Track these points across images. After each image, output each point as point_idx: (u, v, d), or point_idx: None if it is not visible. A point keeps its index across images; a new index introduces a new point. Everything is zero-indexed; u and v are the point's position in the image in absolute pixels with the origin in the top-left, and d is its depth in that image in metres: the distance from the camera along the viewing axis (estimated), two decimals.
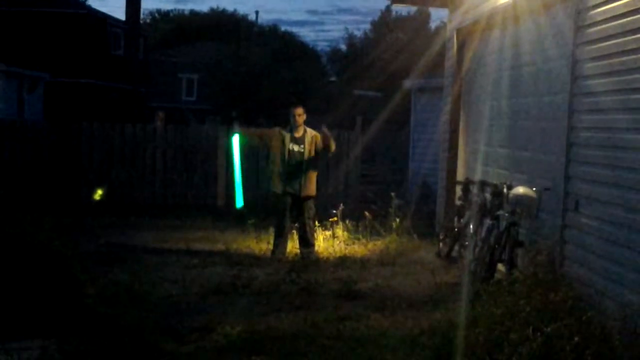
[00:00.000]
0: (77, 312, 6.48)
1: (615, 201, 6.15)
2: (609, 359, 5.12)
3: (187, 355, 6.06)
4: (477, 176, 9.84)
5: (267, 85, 39.29)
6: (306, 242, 10.17)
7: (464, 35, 11.20)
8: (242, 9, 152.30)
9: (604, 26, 6.57)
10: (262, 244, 10.76)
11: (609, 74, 6.43)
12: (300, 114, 10.11)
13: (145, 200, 15.19)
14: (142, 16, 45.91)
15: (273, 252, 10.16)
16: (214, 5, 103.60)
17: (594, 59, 6.78)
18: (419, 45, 22.30)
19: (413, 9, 42.83)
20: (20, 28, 33.16)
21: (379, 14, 51.92)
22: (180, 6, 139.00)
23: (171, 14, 73.11)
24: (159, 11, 75.24)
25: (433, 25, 43.16)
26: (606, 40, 6.51)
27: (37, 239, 6.73)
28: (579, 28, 7.09)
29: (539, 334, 5.27)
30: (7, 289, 6.28)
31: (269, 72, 40.24)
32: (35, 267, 6.48)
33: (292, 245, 10.50)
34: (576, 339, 5.20)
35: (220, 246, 10.89)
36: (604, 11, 6.56)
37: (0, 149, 15.14)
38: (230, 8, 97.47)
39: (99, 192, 9.36)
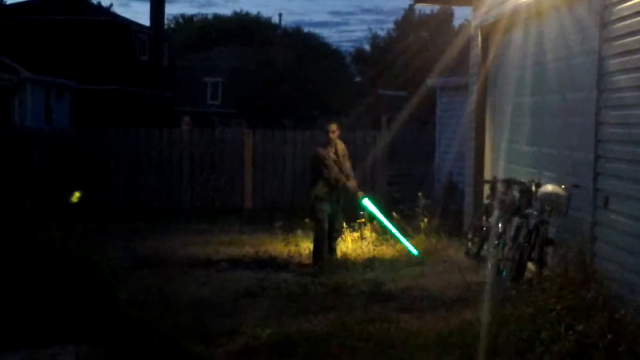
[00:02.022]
0: (109, 316, 6.54)
1: None
2: None
3: (218, 358, 6.09)
4: (505, 174, 9.79)
5: (291, 86, 39.36)
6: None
7: (488, 33, 11.15)
8: (265, 12, 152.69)
9: (630, 21, 6.51)
10: (290, 247, 10.76)
11: (636, 69, 6.37)
12: (334, 130, 10.18)
13: (173, 204, 15.26)
14: (166, 21, 46.33)
15: (321, 261, 9.90)
16: (237, 9, 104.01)
17: (620, 54, 6.73)
18: (443, 44, 22.22)
19: (436, 7, 42.80)
20: (46, 36, 33.46)
21: (402, 13, 51.96)
22: (203, 10, 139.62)
23: (195, 19, 73.52)
24: (182, 16, 75.75)
25: (457, 23, 43.07)
26: (633, 36, 6.45)
27: (67, 245, 6.80)
28: (605, 24, 7.04)
29: (570, 332, 5.24)
30: (40, 295, 6.35)
31: (292, 73, 40.29)
32: (66, 273, 6.55)
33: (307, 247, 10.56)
34: (609, 336, 5.16)
35: (248, 249, 10.93)
36: (630, 6, 6.50)
37: (28, 157, 15.28)
38: (253, 11, 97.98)
39: (77, 194, 9.34)
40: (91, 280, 6.65)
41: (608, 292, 6.13)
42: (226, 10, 75.19)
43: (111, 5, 58.04)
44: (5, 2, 42.14)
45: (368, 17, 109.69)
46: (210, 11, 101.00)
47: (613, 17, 6.87)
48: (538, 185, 8.01)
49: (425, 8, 47.29)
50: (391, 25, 52.99)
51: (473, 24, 11.85)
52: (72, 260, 6.67)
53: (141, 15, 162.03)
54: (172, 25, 69.19)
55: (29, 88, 27.06)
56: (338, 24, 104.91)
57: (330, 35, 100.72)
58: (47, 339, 6.15)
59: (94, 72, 33.38)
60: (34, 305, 6.28)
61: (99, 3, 52.19)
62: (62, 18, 34.43)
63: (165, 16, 39.07)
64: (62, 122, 28.29)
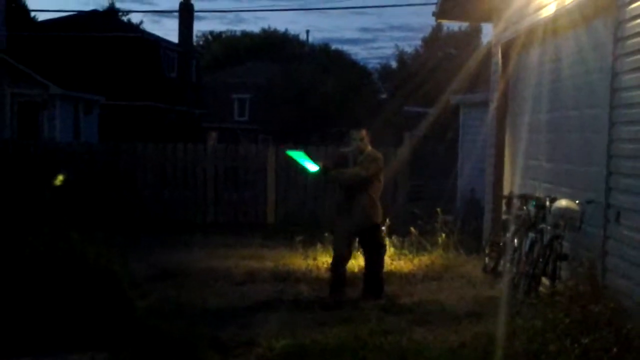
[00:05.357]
0: (127, 325, 6.69)
1: None
2: None
3: None
4: (522, 190, 9.85)
5: (317, 102, 39.58)
6: None
7: (507, 49, 11.22)
8: (294, 29, 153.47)
9: None
10: (309, 261, 10.86)
11: None
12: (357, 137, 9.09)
13: (197, 218, 15.47)
14: (194, 38, 46.83)
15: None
16: (266, 26, 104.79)
17: (633, 70, 6.78)
18: (470, 60, 22.29)
19: (465, 24, 42.81)
20: (76, 52, 33.96)
21: (430, 30, 52.10)
22: (232, 27, 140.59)
23: (223, 36, 74.16)
24: (211, 33, 76.47)
25: (485, 39, 43.03)
26: None
27: (86, 255, 6.97)
28: (618, 40, 7.11)
29: (576, 345, 5.30)
30: (60, 303, 6.51)
31: (318, 89, 40.53)
32: (85, 282, 6.71)
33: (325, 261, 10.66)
34: (615, 349, 5.21)
35: (268, 263, 11.05)
36: None
37: (56, 171, 15.54)
38: (281, 28, 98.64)
39: (60, 177, 9.48)
40: (109, 289, 6.82)
41: (617, 307, 6.17)
42: (255, 27, 75.89)
43: (141, 22, 58.87)
44: (37, 18, 42.83)
45: (397, 34, 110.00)
46: (239, 28, 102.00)
47: (626, 34, 6.93)
48: (553, 201, 8.07)
49: (453, 25, 47.34)
50: (419, 42, 53.07)
51: (493, 40, 11.93)
52: (91, 270, 6.85)
53: (171, 32, 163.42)
54: (201, 42, 69.88)
55: (58, 103, 27.51)
56: (367, 40, 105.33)
57: (358, 52, 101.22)
58: (66, 346, 6.31)
59: (123, 88, 33.81)
60: (53, 313, 6.44)
61: (129, 20, 52.91)
62: (92, 35, 34.94)
63: (194, 33, 39.50)
64: (90, 137, 28.70)
